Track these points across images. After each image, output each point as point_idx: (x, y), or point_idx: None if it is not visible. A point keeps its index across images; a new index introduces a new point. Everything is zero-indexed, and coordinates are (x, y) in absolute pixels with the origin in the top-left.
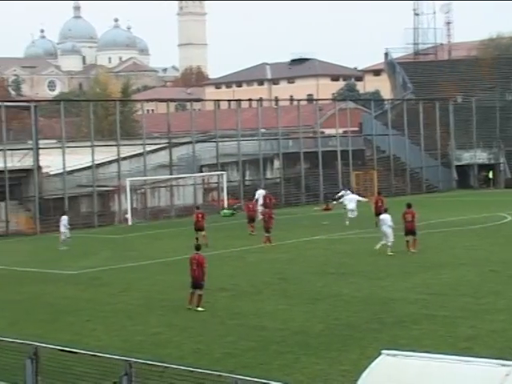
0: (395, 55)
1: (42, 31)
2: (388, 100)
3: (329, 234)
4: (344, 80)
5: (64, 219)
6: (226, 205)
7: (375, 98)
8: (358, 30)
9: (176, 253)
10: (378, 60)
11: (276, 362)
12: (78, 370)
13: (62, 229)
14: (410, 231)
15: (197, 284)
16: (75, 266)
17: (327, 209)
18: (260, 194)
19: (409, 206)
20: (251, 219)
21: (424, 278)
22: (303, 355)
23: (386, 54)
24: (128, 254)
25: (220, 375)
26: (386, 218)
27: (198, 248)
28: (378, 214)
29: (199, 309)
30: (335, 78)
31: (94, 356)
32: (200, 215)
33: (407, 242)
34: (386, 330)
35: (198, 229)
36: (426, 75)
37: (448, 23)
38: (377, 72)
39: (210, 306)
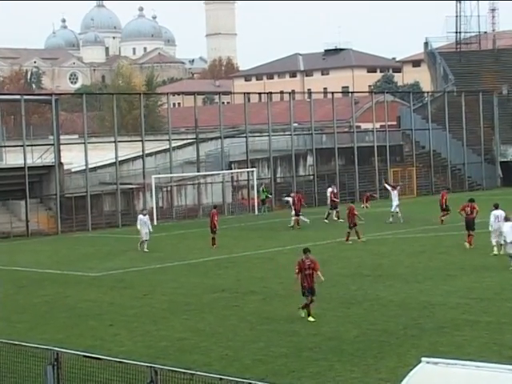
0: (436, 45)
1: (64, 21)
2: (428, 92)
3: (365, 234)
4: (381, 71)
5: (143, 218)
6: (256, 204)
7: (414, 91)
8: (396, 18)
9: (203, 254)
10: (417, 50)
11: (308, 369)
12: (101, 377)
13: (144, 229)
14: (469, 225)
15: (312, 290)
16: (98, 268)
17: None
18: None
19: (471, 200)
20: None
21: (466, 282)
22: (337, 362)
23: (426, 44)
24: (153, 255)
25: (250, 383)
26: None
27: (306, 250)
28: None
29: (311, 319)
30: (372, 70)
31: (119, 362)
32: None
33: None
34: (426, 337)
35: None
36: (468, 66)
37: (492, 10)
38: (416, 63)
39: (240, 310)
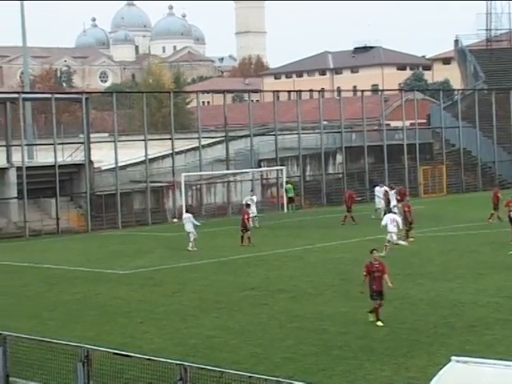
0: (466, 42)
1: (94, 20)
2: (458, 90)
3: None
4: (411, 69)
5: (188, 217)
6: (284, 202)
7: (444, 88)
8: (426, 15)
9: (232, 252)
10: (447, 48)
11: (338, 367)
12: (131, 374)
13: (189, 228)
14: None
15: (381, 293)
16: (127, 266)
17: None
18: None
19: None
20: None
21: (496, 280)
22: (367, 361)
23: (457, 41)
24: (182, 252)
25: (279, 381)
26: None
27: (373, 250)
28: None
29: (379, 323)
30: (401, 67)
31: (148, 360)
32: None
33: None
34: (456, 335)
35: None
36: (499, 63)
37: None
38: (446, 60)
39: (269, 308)
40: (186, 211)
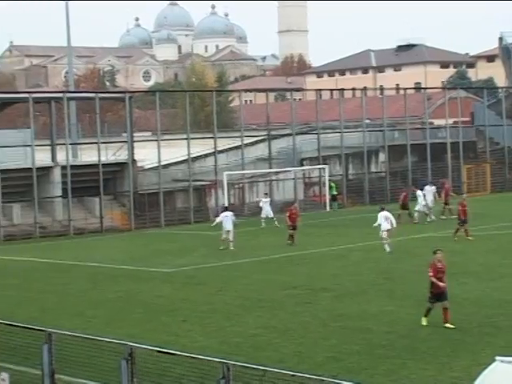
0: (511, 39)
1: (137, 19)
2: (502, 88)
3: (438, 231)
4: (454, 67)
5: (229, 215)
6: (327, 201)
7: (488, 86)
8: (469, 12)
9: (274, 251)
10: (491, 45)
11: (381, 367)
12: (174, 372)
13: (229, 226)
14: None
15: (444, 294)
16: (170, 264)
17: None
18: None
19: None
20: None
21: None
22: (410, 360)
23: (501, 39)
24: (224, 251)
25: (322, 380)
26: None
27: (437, 250)
28: None
29: (449, 325)
30: (445, 65)
31: (192, 358)
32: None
33: None
34: (501, 335)
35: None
36: None
37: None
38: (490, 58)
39: (312, 307)
40: (226, 209)
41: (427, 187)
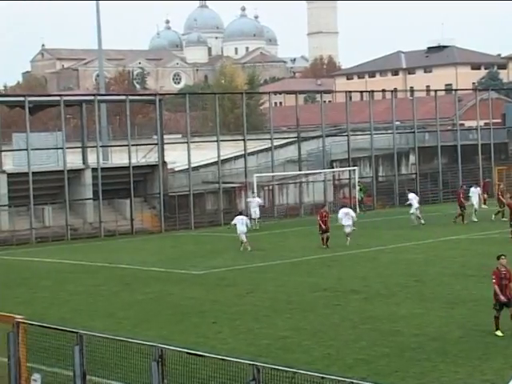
0: None
1: (168, 22)
2: None
3: (469, 233)
4: (485, 68)
5: (241, 219)
6: (357, 203)
7: None
8: (501, 12)
9: (304, 253)
10: None
11: (412, 369)
12: (204, 374)
13: (244, 228)
14: None
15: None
16: (201, 266)
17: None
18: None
19: None
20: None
21: None
22: (441, 363)
23: None
24: (255, 253)
25: (352, 382)
26: None
27: (501, 256)
28: None
29: (498, 333)
30: (476, 67)
31: (221, 360)
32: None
33: None
34: None
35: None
36: None
37: None
38: None
39: (342, 309)
40: (240, 213)
41: (472, 189)
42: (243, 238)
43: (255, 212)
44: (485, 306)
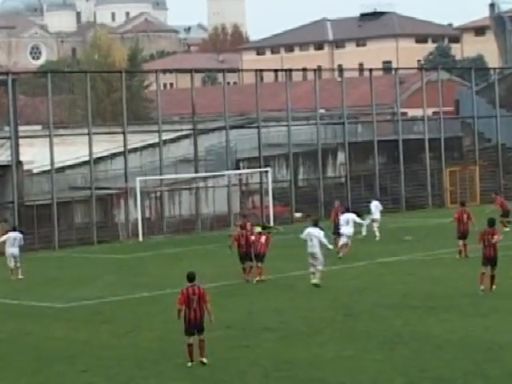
0: (505, 6)
1: None
2: (495, 69)
3: (413, 253)
4: (434, 42)
5: (13, 237)
6: (271, 213)
7: (477, 67)
8: None
9: (201, 279)
10: (480, 14)
11: None
12: None
13: (15, 250)
14: None
15: (199, 327)
16: (67, 297)
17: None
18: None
19: None
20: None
21: None
22: None
23: (492, 6)
24: (138, 280)
25: None
26: None
27: (192, 277)
28: None
29: (204, 360)
30: (421, 39)
31: None
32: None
33: None
34: None
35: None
36: None
37: None
38: (479, 30)
39: (250, 351)
40: (14, 229)
41: (375, 202)
42: (12, 263)
43: None
44: (433, 346)
